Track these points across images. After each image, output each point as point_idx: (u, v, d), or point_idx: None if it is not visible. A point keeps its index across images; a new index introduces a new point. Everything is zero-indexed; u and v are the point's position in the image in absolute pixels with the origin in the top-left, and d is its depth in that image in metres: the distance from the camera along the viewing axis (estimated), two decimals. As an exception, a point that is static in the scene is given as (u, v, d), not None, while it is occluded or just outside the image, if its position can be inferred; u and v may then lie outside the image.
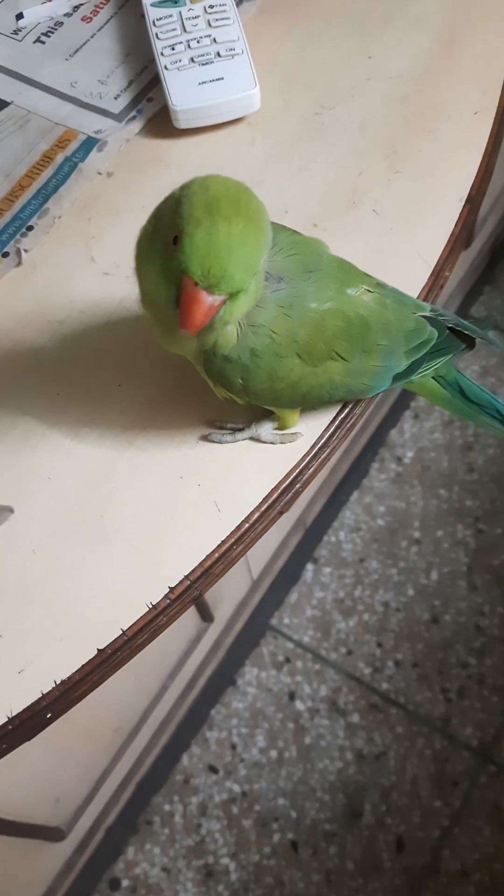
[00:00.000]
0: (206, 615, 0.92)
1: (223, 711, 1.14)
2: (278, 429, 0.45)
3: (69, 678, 0.40)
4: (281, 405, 0.43)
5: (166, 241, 0.35)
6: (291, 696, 1.15)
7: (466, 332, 0.46)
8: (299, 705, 1.14)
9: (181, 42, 0.55)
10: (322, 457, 0.45)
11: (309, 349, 0.39)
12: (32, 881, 0.87)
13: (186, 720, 1.09)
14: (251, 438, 0.45)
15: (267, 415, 0.44)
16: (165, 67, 0.54)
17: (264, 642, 1.18)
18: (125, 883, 1.05)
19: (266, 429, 0.44)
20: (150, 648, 0.87)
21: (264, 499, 0.44)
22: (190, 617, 0.90)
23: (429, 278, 0.49)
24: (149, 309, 0.39)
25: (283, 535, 1.10)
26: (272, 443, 0.45)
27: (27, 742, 0.40)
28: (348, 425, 0.46)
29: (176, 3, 0.56)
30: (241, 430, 0.45)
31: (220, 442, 0.45)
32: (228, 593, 0.99)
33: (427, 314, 0.44)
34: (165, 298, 0.36)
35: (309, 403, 0.43)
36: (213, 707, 1.14)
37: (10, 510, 0.42)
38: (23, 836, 0.75)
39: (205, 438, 0.45)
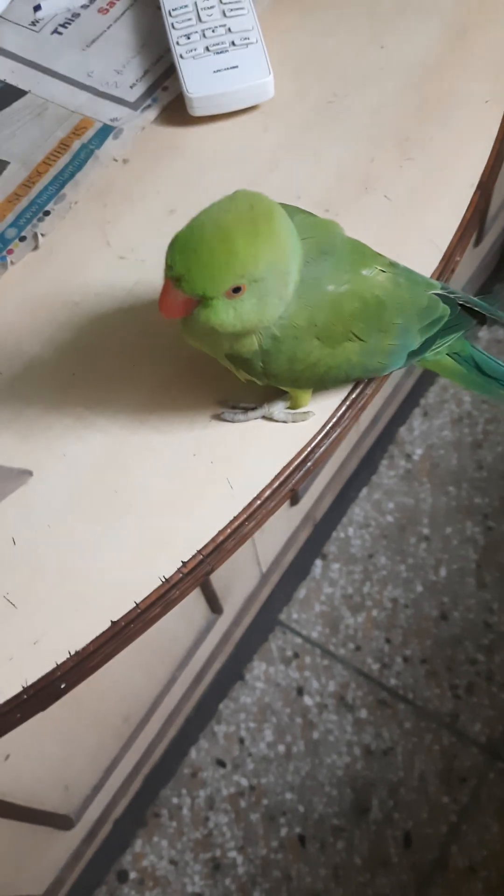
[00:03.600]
0: (215, 607, 0.93)
1: (231, 706, 1.15)
2: (290, 408, 0.45)
3: (83, 649, 0.40)
4: (300, 385, 0.43)
5: None
6: (300, 691, 1.15)
7: (477, 309, 0.46)
8: (307, 700, 1.15)
9: (196, 31, 0.55)
10: (334, 436, 0.46)
11: (327, 331, 0.40)
12: (41, 870, 0.88)
13: (195, 714, 1.09)
14: (263, 417, 0.45)
15: (279, 394, 0.45)
16: (181, 56, 0.55)
17: (273, 637, 1.18)
18: (133, 875, 1.06)
19: (278, 408, 0.45)
20: (159, 637, 0.87)
21: (276, 476, 0.44)
22: (199, 607, 0.90)
23: (440, 262, 0.49)
24: None
25: (292, 529, 1.10)
26: (284, 421, 0.45)
27: (41, 712, 0.40)
28: (360, 405, 0.46)
29: (191, -7, 0.57)
30: (253, 409, 0.45)
31: (232, 421, 0.45)
32: (237, 586, 0.99)
33: (439, 292, 0.44)
34: None
35: (327, 383, 0.44)
36: (221, 701, 1.14)
37: (30, 473, 0.43)
38: (32, 821, 0.75)
39: (217, 417, 0.45)
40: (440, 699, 1.13)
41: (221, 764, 1.11)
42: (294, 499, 1.01)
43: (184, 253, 0.35)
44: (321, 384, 0.44)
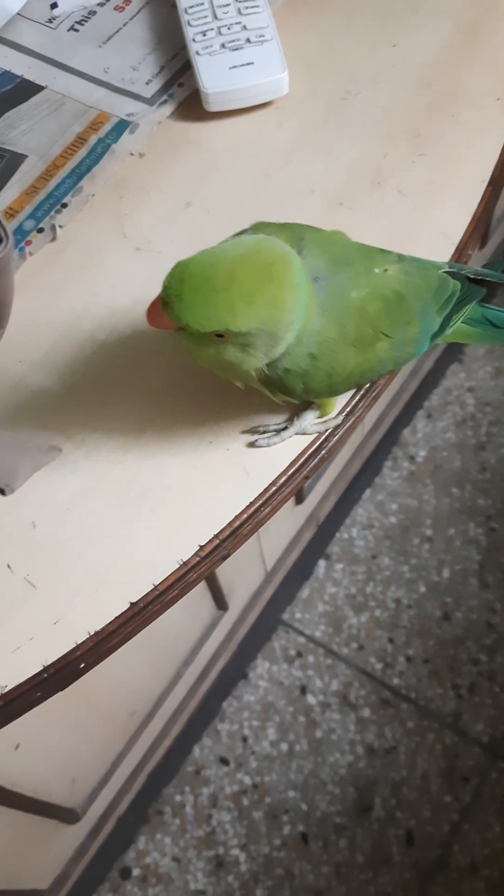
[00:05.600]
0: (220, 603, 0.93)
1: (235, 704, 1.15)
2: (319, 416, 0.45)
3: (102, 629, 0.41)
4: (336, 394, 0.44)
5: None
6: (303, 690, 1.15)
7: (486, 279, 0.47)
8: (311, 699, 1.15)
9: (212, 28, 0.56)
10: (348, 424, 0.46)
11: (360, 337, 0.40)
12: (47, 864, 0.88)
13: (199, 712, 1.10)
14: (297, 434, 0.45)
15: (306, 406, 0.45)
16: (197, 53, 0.56)
17: (276, 637, 1.19)
18: (136, 872, 1.06)
19: (309, 420, 0.45)
20: (166, 632, 0.87)
21: (291, 463, 0.45)
22: (205, 603, 0.91)
23: (452, 255, 0.50)
24: None
25: (296, 529, 1.11)
26: (317, 433, 0.45)
27: (61, 691, 0.41)
28: (373, 394, 0.47)
29: (207, -8, 0.58)
30: (285, 428, 0.45)
31: (268, 445, 0.45)
32: (242, 583, 1.00)
33: (447, 270, 0.45)
34: None
35: (361, 385, 0.44)
36: (224, 700, 1.15)
37: (59, 450, 0.43)
38: (40, 813, 0.76)
39: (251, 445, 0.45)
40: (443, 699, 1.14)
41: (225, 762, 1.12)
42: (299, 498, 1.02)
43: (181, 283, 0.35)
44: (356, 387, 0.44)
